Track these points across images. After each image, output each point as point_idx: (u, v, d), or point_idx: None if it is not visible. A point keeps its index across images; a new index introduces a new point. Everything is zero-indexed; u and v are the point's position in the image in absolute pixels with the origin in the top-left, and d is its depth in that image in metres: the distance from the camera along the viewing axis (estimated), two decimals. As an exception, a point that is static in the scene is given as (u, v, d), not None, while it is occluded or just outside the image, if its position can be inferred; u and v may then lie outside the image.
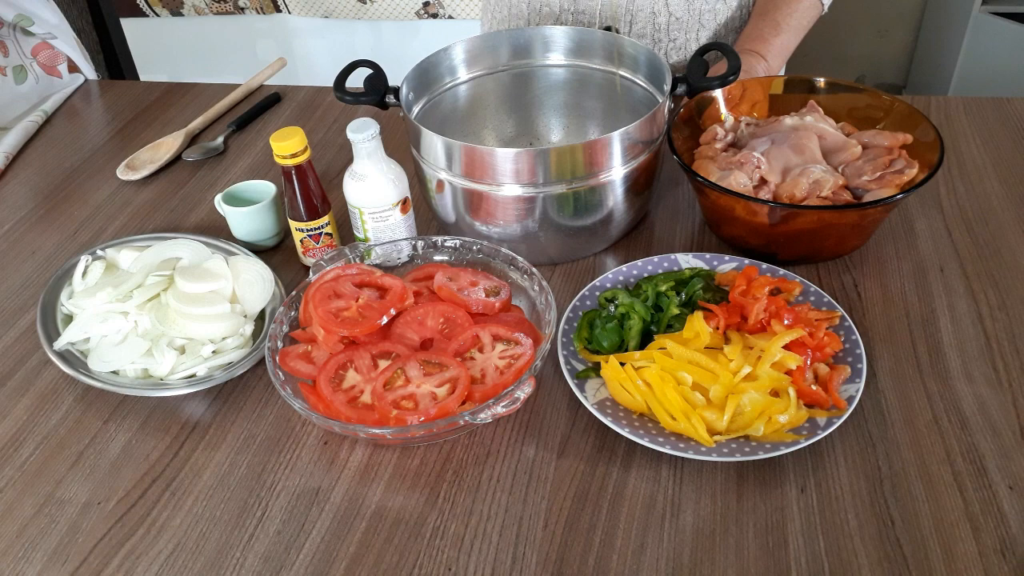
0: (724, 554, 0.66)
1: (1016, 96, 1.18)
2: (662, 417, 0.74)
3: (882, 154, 0.93)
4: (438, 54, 1.03)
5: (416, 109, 1.01)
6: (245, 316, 0.88)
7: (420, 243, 0.91)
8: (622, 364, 0.78)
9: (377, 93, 0.96)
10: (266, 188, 1.03)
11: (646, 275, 0.89)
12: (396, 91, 0.96)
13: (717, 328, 0.80)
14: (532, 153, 0.86)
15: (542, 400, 0.80)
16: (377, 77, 0.97)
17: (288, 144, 0.87)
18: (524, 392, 0.73)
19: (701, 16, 1.17)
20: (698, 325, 0.79)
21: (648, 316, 0.83)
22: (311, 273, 0.87)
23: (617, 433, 0.74)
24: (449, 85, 1.05)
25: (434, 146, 0.89)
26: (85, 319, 0.87)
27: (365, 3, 2.02)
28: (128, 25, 2.22)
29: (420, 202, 1.02)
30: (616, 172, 0.89)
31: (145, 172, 1.19)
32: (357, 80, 0.98)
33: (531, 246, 0.93)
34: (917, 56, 2.83)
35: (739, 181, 0.91)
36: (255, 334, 0.88)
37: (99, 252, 0.96)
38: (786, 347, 0.76)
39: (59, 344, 0.86)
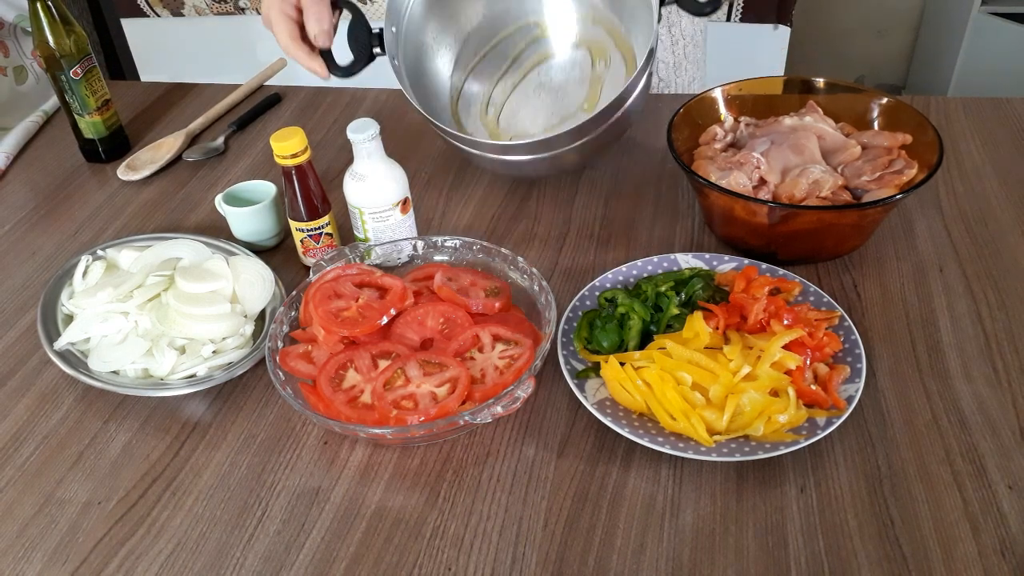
0: (724, 554, 0.67)
1: (1016, 96, 1.18)
2: (662, 417, 0.74)
3: (881, 154, 0.93)
4: None
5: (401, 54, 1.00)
6: (245, 316, 0.88)
7: (420, 243, 0.91)
8: (622, 364, 0.78)
9: (363, 46, 0.94)
10: (266, 188, 1.03)
11: (646, 275, 0.89)
12: (380, 38, 0.95)
13: (717, 328, 0.80)
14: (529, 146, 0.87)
15: (542, 400, 0.80)
16: (358, 25, 0.95)
17: (288, 144, 0.87)
18: (524, 392, 0.73)
19: None
20: (698, 325, 0.79)
21: (648, 316, 0.83)
22: (311, 273, 0.87)
23: (617, 433, 0.75)
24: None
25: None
26: (85, 319, 0.87)
27: (365, 3, 2.02)
28: (128, 25, 2.22)
29: (420, 202, 1.03)
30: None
31: (146, 172, 1.19)
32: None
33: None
34: (917, 56, 2.83)
35: (738, 181, 0.91)
36: (255, 334, 0.88)
37: (99, 252, 0.96)
38: (786, 347, 0.76)
39: (59, 344, 0.86)
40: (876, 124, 0.98)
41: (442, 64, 1.09)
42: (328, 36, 0.93)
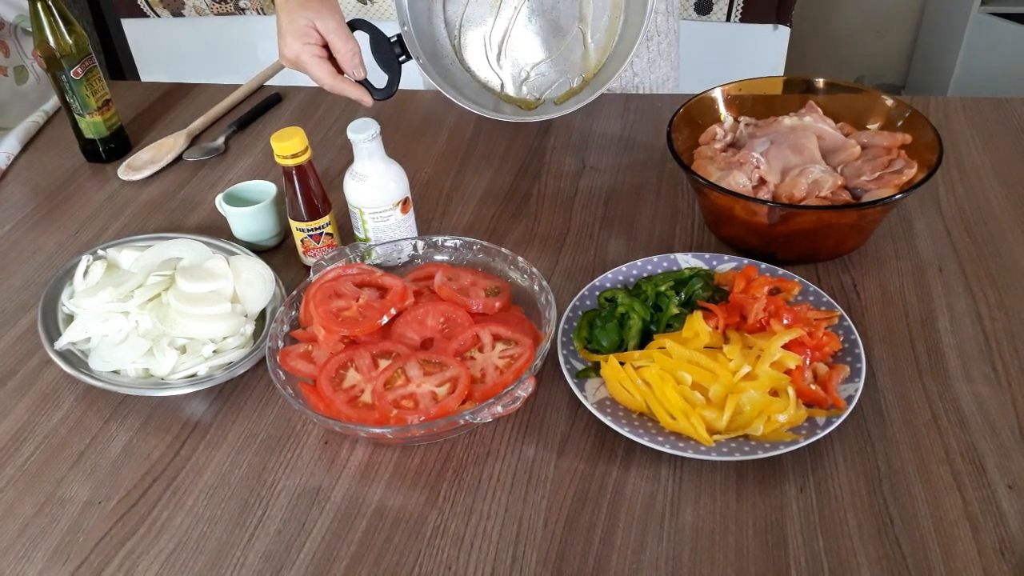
0: (724, 553, 0.67)
1: (1016, 96, 1.19)
2: (662, 416, 0.74)
3: (881, 154, 0.93)
4: None
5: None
6: (246, 316, 0.88)
7: (420, 243, 0.91)
8: (622, 363, 0.78)
9: (390, 60, 1.00)
10: (267, 188, 1.03)
11: (646, 275, 0.89)
12: (401, 44, 0.99)
13: (716, 328, 0.80)
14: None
15: (542, 400, 0.80)
16: (378, 41, 1.00)
17: (289, 144, 0.88)
18: (524, 392, 0.73)
19: None
20: (697, 325, 0.79)
21: (648, 316, 0.83)
22: (311, 273, 0.87)
23: (617, 432, 0.75)
24: None
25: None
26: (86, 319, 0.87)
27: (365, 3, 2.02)
28: (129, 25, 2.23)
29: (420, 202, 1.03)
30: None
31: (146, 172, 1.19)
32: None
33: None
34: (916, 56, 2.83)
35: (738, 181, 0.91)
36: (256, 334, 0.88)
37: (100, 252, 0.97)
38: (785, 347, 0.77)
39: (60, 344, 0.86)
40: (876, 124, 0.98)
41: (439, 24, 1.10)
42: (364, 67, 0.99)
